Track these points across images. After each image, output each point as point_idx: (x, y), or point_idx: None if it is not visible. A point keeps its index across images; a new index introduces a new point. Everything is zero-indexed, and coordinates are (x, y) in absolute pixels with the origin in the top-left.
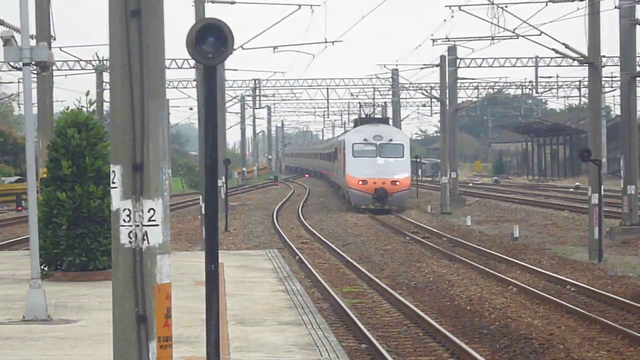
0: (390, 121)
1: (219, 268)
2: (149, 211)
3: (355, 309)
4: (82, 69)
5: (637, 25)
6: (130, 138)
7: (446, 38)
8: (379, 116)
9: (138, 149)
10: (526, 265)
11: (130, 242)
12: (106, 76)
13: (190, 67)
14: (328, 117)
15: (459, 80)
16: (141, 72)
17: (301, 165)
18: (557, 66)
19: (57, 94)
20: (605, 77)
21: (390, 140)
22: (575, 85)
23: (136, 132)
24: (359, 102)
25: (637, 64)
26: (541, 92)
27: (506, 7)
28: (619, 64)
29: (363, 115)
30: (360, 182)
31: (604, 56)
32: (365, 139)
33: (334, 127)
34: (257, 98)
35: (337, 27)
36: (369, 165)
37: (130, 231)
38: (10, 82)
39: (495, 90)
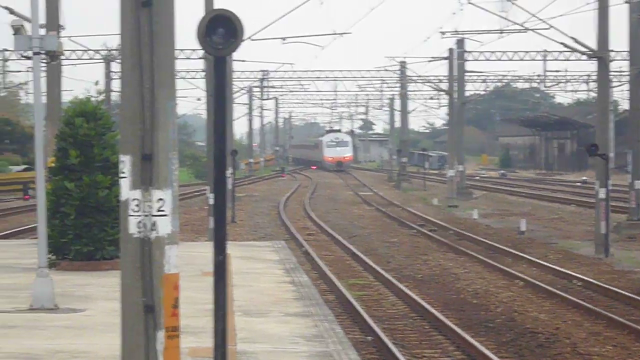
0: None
1: (226, 259)
2: (158, 201)
3: (361, 301)
4: (91, 58)
5: None
6: (140, 128)
7: (455, 31)
8: (337, 128)
9: (147, 139)
10: (532, 259)
11: (139, 232)
12: (114, 66)
13: (199, 58)
14: (335, 109)
15: (466, 74)
16: (151, 62)
17: (301, 155)
18: (565, 60)
19: (65, 84)
20: (614, 71)
21: (342, 139)
22: (584, 79)
23: (146, 122)
24: (327, 128)
25: None
26: (549, 86)
27: (515, 0)
28: (627, 58)
29: (329, 128)
30: (330, 159)
31: (612, 50)
32: (331, 139)
33: (341, 119)
34: (265, 89)
35: (345, 18)
36: (333, 151)
37: (139, 221)
38: (18, 71)
39: (503, 83)
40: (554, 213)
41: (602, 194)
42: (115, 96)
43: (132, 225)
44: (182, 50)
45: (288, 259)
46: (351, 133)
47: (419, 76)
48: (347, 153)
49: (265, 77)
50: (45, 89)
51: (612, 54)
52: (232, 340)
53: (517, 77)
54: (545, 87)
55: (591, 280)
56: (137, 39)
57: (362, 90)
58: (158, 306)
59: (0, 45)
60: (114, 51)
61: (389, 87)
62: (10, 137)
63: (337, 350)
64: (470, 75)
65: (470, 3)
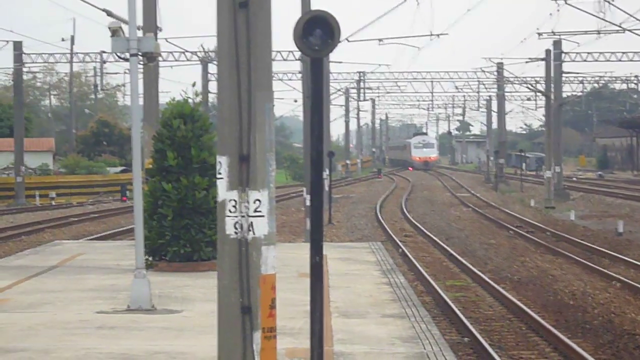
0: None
1: (323, 260)
2: (254, 202)
3: (459, 302)
4: (188, 60)
5: None
6: (237, 129)
7: (552, 32)
8: (424, 131)
9: (245, 140)
10: (630, 260)
11: (236, 233)
12: (211, 67)
13: (295, 59)
14: (432, 110)
15: (564, 75)
16: (248, 64)
17: (394, 156)
18: None
19: (162, 85)
20: None
21: (428, 141)
22: None
23: (243, 123)
24: (415, 129)
25: None
26: None
27: (613, 0)
28: None
29: (417, 132)
30: (418, 159)
31: None
32: (419, 141)
33: (438, 120)
34: (362, 90)
35: (442, 19)
36: (420, 152)
37: (236, 222)
38: (116, 73)
39: (601, 85)
40: None
41: None
42: (212, 98)
43: (229, 226)
44: (279, 51)
45: (385, 260)
46: (449, 134)
47: (516, 77)
48: (433, 154)
49: (362, 78)
50: (143, 90)
51: None
52: (328, 341)
53: (614, 78)
54: None
55: None
56: (235, 40)
57: (459, 92)
58: (255, 307)
59: (98, 47)
60: (211, 53)
61: (486, 89)
62: (108, 139)
63: (435, 351)
64: (567, 77)
65: (567, 4)
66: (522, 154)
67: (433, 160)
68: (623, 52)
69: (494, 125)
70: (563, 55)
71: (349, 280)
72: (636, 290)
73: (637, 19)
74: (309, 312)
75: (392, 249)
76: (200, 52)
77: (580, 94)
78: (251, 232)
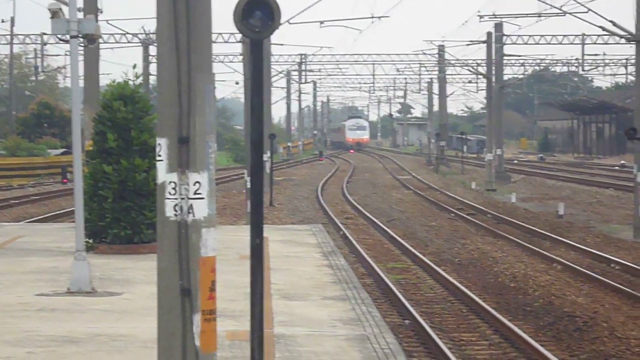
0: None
1: (264, 242)
2: (194, 184)
3: (399, 284)
4: (129, 42)
5: None
6: (177, 111)
7: (493, 15)
8: (359, 115)
9: (184, 122)
10: (571, 243)
11: (176, 215)
12: (152, 49)
13: (237, 42)
14: (374, 93)
15: (505, 57)
16: (188, 45)
17: (332, 138)
18: (604, 44)
19: (103, 67)
20: None
21: (361, 124)
22: (622, 63)
23: (183, 105)
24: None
25: None
26: (588, 70)
27: None
28: None
29: (351, 115)
30: (352, 140)
31: None
32: (352, 124)
33: (380, 103)
34: (303, 73)
35: (384, 2)
36: (354, 134)
37: (176, 204)
38: (57, 55)
39: (542, 67)
40: (592, 197)
41: None
42: (153, 80)
43: (169, 209)
44: (220, 34)
45: (326, 242)
46: (390, 117)
47: (457, 60)
48: (365, 135)
49: (304, 60)
50: (83, 72)
51: None
52: (269, 323)
53: (555, 61)
54: (584, 71)
55: (630, 264)
56: (174, 22)
57: (400, 74)
58: (195, 289)
59: (38, 29)
60: (152, 35)
61: (427, 71)
62: (49, 121)
63: (375, 333)
64: (508, 59)
65: None
66: (464, 136)
67: (365, 141)
68: (564, 35)
69: (436, 107)
70: (504, 38)
71: (290, 263)
72: (576, 272)
73: (578, 2)
74: (249, 295)
75: (333, 232)
76: (141, 34)
77: (521, 76)
78: (191, 215)
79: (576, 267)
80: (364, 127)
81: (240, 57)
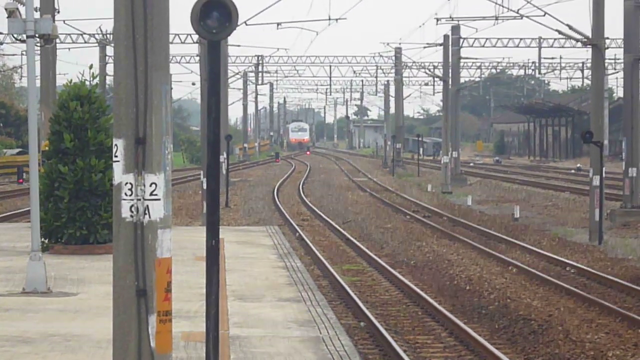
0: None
1: (220, 243)
2: (150, 185)
3: (355, 286)
4: (86, 42)
5: None
6: (134, 111)
7: (450, 17)
8: (301, 119)
9: (141, 123)
10: (526, 246)
11: (132, 216)
12: (109, 50)
13: (194, 42)
14: (330, 95)
15: (462, 60)
16: (145, 45)
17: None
18: (560, 47)
19: (60, 67)
20: (609, 59)
21: (302, 127)
22: (579, 66)
23: (139, 105)
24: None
25: None
26: (544, 73)
27: None
28: (622, 46)
29: (294, 119)
30: (294, 140)
31: (607, 38)
32: (295, 126)
33: (336, 105)
34: (260, 74)
35: (341, 4)
36: (296, 135)
37: (132, 205)
38: (14, 55)
39: (498, 70)
40: (548, 200)
41: (596, 181)
42: (109, 80)
43: (125, 209)
44: (177, 34)
45: (282, 244)
46: (346, 119)
47: (414, 62)
48: (305, 136)
49: (260, 62)
50: (40, 72)
51: (607, 41)
52: (224, 324)
53: (512, 64)
54: (540, 74)
55: (585, 267)
56: (132, 21)
57: (357, 76)
58: (150, 290)
59: None
60: (109, 35)
61: (384, 73)
62: (5, 121)
63: (330, 335)
64: (465, 62)
65: None
66: (420, 138)
67: (306, 142)
68: (520, 39)
69: (392, 110)
70: (461, 40)
71: (246, 264)
72: (532, 275)
73: (535, 6)
74: (204, 296)
75: (289, 233)
76: (98, 34)
77: (478, 79)
78: (147, 215)
79: (531, 270)
80: (305, 129)
81: (197, 58)
